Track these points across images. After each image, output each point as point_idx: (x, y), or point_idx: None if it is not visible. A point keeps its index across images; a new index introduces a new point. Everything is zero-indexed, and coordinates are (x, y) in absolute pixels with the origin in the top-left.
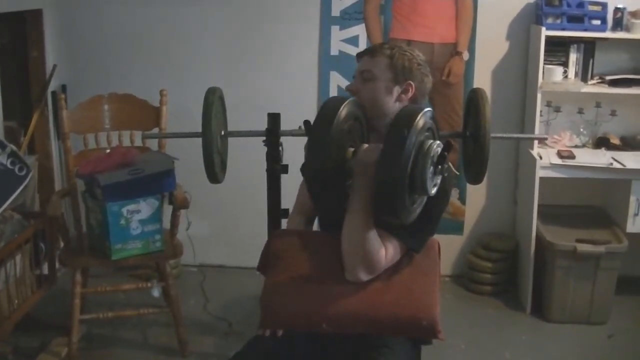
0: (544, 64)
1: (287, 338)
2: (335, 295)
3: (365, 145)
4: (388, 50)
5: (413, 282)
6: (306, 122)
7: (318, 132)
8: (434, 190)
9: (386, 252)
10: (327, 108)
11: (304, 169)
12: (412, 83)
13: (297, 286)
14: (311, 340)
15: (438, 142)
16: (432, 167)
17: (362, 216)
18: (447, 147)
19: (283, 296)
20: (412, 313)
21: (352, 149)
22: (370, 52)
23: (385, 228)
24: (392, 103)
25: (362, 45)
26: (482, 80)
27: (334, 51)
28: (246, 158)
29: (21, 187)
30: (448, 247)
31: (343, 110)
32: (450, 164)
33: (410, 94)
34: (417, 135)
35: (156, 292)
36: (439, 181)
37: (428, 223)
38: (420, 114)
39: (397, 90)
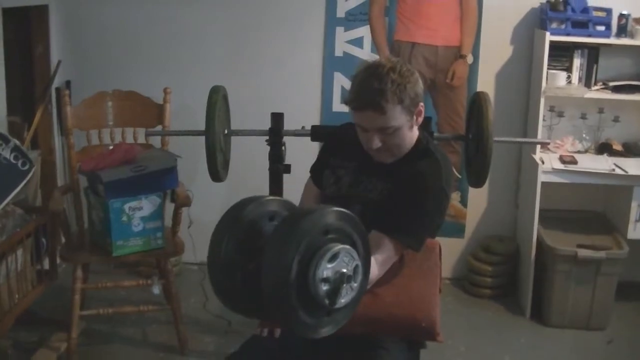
0: (548, 68)
1: (284, 338)
2: None
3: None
4: (392, 96)
5: (413, 283)
6: (313, 127)
7: (221, 226)
8: (338, 304)
9: (375, 258)
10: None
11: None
12: (422, 104)
13: None
14: (308, 340)
15: (339, 247)
16: (325, 279)
17: None
18: (340, 255)
19: None
20: (411, 314)
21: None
22: (375, 108)
23: (381, 229)
24: (412, 132)
25: (367, 46)
26: (486, 83)
27: (338, 52)
28: (249, 157)
29: (24, 182)
30: (449, 250)
31: (258, 209)
32: (449, 161)
33: (422, 112)
34: (298, 246)
35: (156, 290)
36: (349, 289)
37: (422, 221)
38: (303, 220)
39: (414, 119)
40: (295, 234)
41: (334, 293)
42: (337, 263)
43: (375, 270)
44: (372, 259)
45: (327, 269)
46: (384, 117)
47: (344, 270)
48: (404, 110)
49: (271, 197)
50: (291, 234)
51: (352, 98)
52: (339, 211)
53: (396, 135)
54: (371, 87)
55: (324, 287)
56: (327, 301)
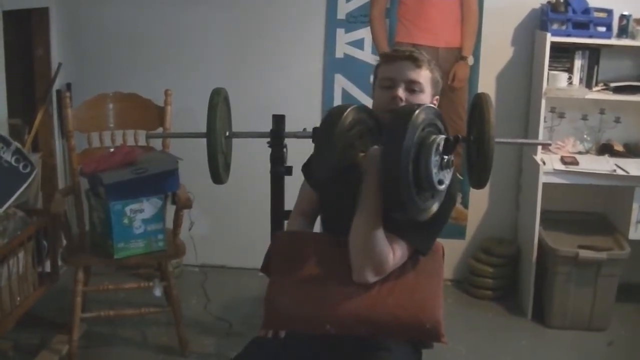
0: (549, 70)
1: (288, 340)
2: (339, 297)
3: (375, 147)
4: (426, 62)
5: (417, 285)
6: (315, 129)
7: (321, 139)
8: (442, 186)
9: (394, 253)
10: (331, 115)
11: (307, 171)
12: (438, 97)
13: (301, 287)
14: (312, 342)
15: (442, 136)
16: (437, 161)
17: (372, 217)
18: (452, 141)
19: (287, 297)
20: (415, 316)
21: (362, 154)
22: (413, 59)
23: (392, 230)
24: None
25: (368, 48)
26: (487, 85)
27: (339, 54)
28: (250, 159)
29: (25, 185)
30: (450, 251)
31: (347, 117)
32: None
33: (436, 104)
34: (416, 130)
35: (157, 292)
36: (448, 175)
37: (434, 225)
38: (418, 110)
39: (432, 102)
40: (409, 126)
41: (442, 175)
42: (442, 152)
43: (389, 263)
44: (391, 250)
45: (435, 158)
46: (417, 71)
47: (446, 157)
48: (432, 82)
49: (351, 106)
50: (405, 127)
51: (390, 52)
52: (431, 107)
53: (420, 98)
54: (411, 49)
55: (437, 172)
56: (438, 185)
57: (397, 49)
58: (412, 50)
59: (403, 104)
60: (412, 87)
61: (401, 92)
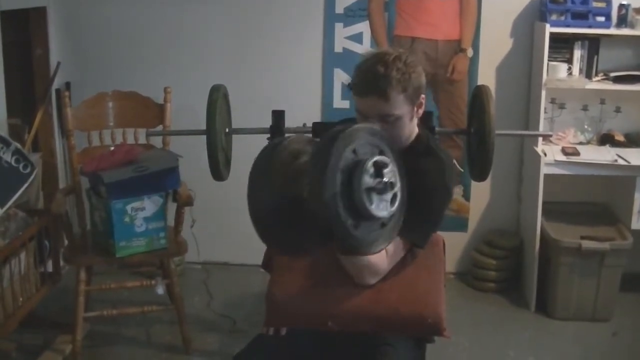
0: (548, 60)
1: (290, 337)
2: (340, 293)
3: None
4: (396, 84)
5: (418, 279)
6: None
7: (255, 181)
8: (386, 212)
9: (386, 251)
10: (263, 154)
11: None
12: (423, 96)
13: (303, 284)
14: (314, 339)
15: (373, 158)
16: (370, 186)
17: None
18: (381, 162)
19: (289, 294)
20: (417, 311)
21: (307, 187)
22: (380, 93)
23: None
24: (412, 124)
25: (367, 42)
26: (487, 77)
27: (337, 48)
28: (250, 155)
29: (25, 185)
30: (452, 245)
31: (283, 152)
32: (453, 159)
33: (423, 104)
34: (339, 159)
35: (160, 290)
36: (393, 196)
37: (428, 218)
38: (339, 138)
39: (415, 110)
40: (334, 153)
41: (381, 201)
42: (374, 175)
43: (384, 263)
44: (383, 252)
45: (368, 180)
46: (387, 104)
47: (385, 179)
48: (407, 99)
49: (289, 138)
50: (330, 154)
51: (357, 82)
52: (363, 126)
53: (397, 124)
54: (376, 73)
55: (370, 197)
56: (378, 212)
57: (364, 78)
58: (379, 77)
59: None
60: (387, 119)
61: (377, 127)
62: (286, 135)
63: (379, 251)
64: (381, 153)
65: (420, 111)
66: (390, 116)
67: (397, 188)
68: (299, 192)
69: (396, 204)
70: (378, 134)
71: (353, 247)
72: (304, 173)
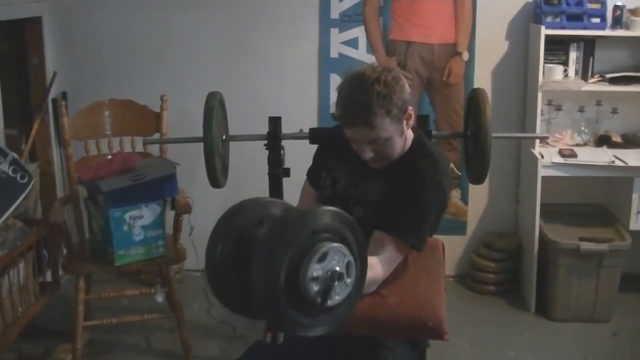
0: (544, 63)
1: (290, 340)
2: None
3: None
4: (379, 109)
5: (417, 283)
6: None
7: (213, 242)
8: (331, 301)
9: (379, 258)
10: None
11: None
12: (410, 107)
13: None
14: (313, 344)
15: (328, 246)
16: (315, 279)
17: None
18: (331, 254)
19: None
20: (417, 314)
21: None
22: (364, 123)
23: (382, 228)
24: (403, 137)
25: (362, 47)
26: (482, 80)
27: (333, 54)
28: (248, 162)
29: (23, 195)
30: (451, 248)
31: (247, 214)
32: (452, 165)
33: (412, 115)
34: (288, 248)
35: (159, 298)
36: (342, 287)
37: (422, 219)
38: (293, 225)
39: (404, 125)
40: (283, 239)
41: (326, 291)
42: (326, 262)
43: (380, 270)
44: (376, 259)
45: (316, 269)
46: (373, 131)
47: (336, 269)
48: (393, 120)
49: (263, 200)
50: (278, 240)
51: (340, 114)
52: (327, 210)
53: (387, 144)
54: (357, 102)
55: (315, 287)
56: (319, 300)
57: (346, 108)
58: (361, 108)
59: (374, 160)
60: (376, 142)
61: (368, 152)
62: (260, 199)
63: (319, 334)
64: (343, 240)
65: (411, 122)
66: (379, 139)
67: (350, 280)
68: (249, 263)
69: (345, 294)
70: (344, 220)
71: (292, 332)
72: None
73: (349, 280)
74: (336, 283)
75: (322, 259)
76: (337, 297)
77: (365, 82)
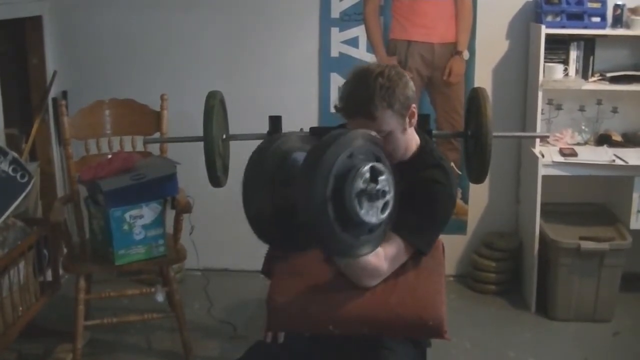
0: (545, 62)
1: (289, 341)
2: (341, 297)
3: None
4: (380, 102)
5: (418, 282)
6: (312, 129)
7: (248, 182)
8: (375, 218)
9: (386, 254)
10: (252, 159)
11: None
12: (414, 105)
13: (303, 288)
14: (313, 344)
15: (369, 164)
16: (361, 193)
17: None
18: (377, 168)
19: (289, 298)
20: (418, 314)
21: None
22: (367, 115)
23: (391, 229)
24: (407, 135)
25: (362, 46)
26: (483, 79)
27: (334, 53)
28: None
29: (23, 194)
30: (451, 247)
31: (268, 159)
32: (452, 164)
33: (415, 113)
34: (330, 168)
35: (160, 297)
36: (385, 204)
37: (433, 225)
38: (332, 147)
39: (407, 121)
40: (324, 161)
41: (371, 207)
42: (368, 179)
43: (384, 265)
44: (382, 250)
45: (360, 186)
46: (374, 123)
47: (378, 186)
48: (395, 114)
49: (287, 135)
50: (320, 161)
51: (342, 106)
52: (359, 132)
53: (389, 139)
54: (359, 94)
55: (360, 203)
56: (367, 218)
57: (348, 100)
58: (363, 100)
59: None
60: (378, 134)
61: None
62: (282, 133)
63: (364, 255)
64: (377, 160)
65: (414, 120)
66: (381, 132)
67: (390, 197)
68: (291, 192)
69: (386, 212)
70: (376, 141)
71: (337, 251)
72: (296, 174)
73: (388, 197)
74: (380, 200)
75: (364, 176)
76: (381, 215)
77: (369, 76)
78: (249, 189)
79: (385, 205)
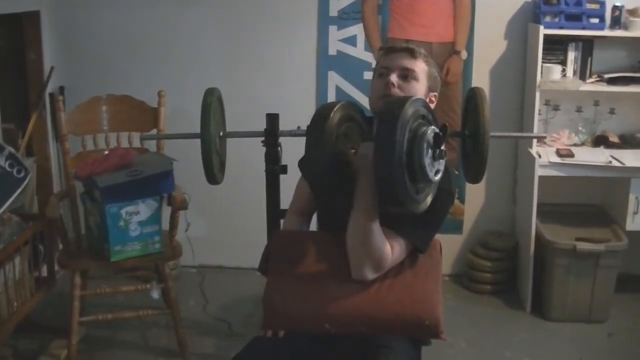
0: (542, 62)
1: (288, 339)
2: (337, 295)
3: (366, 144)
4: (423, 56)
5: (415, 282)
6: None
7: (312, 137)
8: (437, 177)
9: (392, 250)
10: (319, 113)
11: (302, 169)
12: (436, 95)
13: (300, 286)
14: (312, 341)
15: (433, 127)
16: (429, 152)
17: (367, 214)
18: (442, 130)
19: (286, 296)
20: (414, 313)
21: (353, 150)
22: (409, 51)
23: (390, 227)
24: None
25: (360, 45)
26: (481, 79)
27: (332, 51)
28: (245, 159)
29: (19, 190)
30: (447, 247)
31: (336, 114)
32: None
33: (434, 101)
34: (407, 122)
35: (155, 294)
36: (441, 167)
37: (431, 223)
38: (408, 102)
39: (428, 96)
40: (400, 120)
41: (433, 166)
42: (434, 141)
43: (387, 259)
44: (388, 249)
45: (427, 150)
46: (412, 61)
47: (438, 149)
48: (427, 76)
49: (337, 106)
50: (397, 120)
51: (389, 45)
52: (417, 99)
53: (414, 85)
54: (406, 45)
55: (429, 161)
56: (430, 173)
57: (396, 44)
58: (412, 46)
59: (396, 89)
60: (406, 73)
61: (394, 78)
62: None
63: (416, 211)
64: (430, 122)
65: (431, 106)
66: (411, 71)
67: (443, 163)
68: (346, 153)
69: (439, 175)
70: (428, 107)
71: (400, 200)
72: (350, 136)
73: (444, 160)
74: (441, 160)
75: (431, 136)
76: (435, 176)
77: (412, 43)
78: (311, 147)
79: (438, 170)
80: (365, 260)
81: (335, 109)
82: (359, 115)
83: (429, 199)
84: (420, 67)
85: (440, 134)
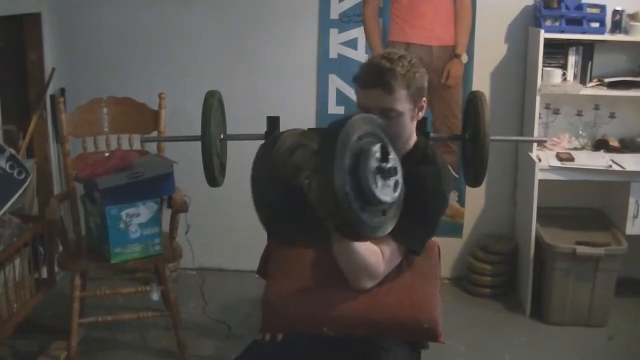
0: (543, 66)
1: (286, 342)
2: (336, 298)
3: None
4: (401, 78)
5: (414, 284)
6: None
7: (256, 176)
8: (396, 193)
9: (383, 255)
10: (264, 145)
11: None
12: (425, 99)
13: (299, 289)
14: (310, 344)
15: (380, 144)
16: (377, 177)
17: (347, 243)
18: (386, 147)
19: (284, 299)
20: (413, 316)
21: (306, 181)
22: (384, 85)
23: None
24: (412, 125)
25: (361, 48)
26: (481, 82)
27: (332, 54)
28: (245, 161)
29: (20, 191)
30: (447, 250)
31: (284, 142)
32: (449, 167)
33: (424, 108)
34: (346, 144)
35: (155, 296)
36: (395, 183)
37: (424, 224)
38: (348, 122)
39: (416, 112)
40: (342, 139)
41: (385, 185)
42: (380, 160)
43: (381, 267)
44: (380, 253)
45: (373, 165)
46: (390, 98)
47: (390, 164)
48: (410, 97)
49: (283, 135)
50: (333, 149)
51: (362, 75)
52: (367, 116)
53: (397, 121)
54: (382, 66)
55: (376, 180)
56: (382, 196)
57: (369, 71)
58: (384, 70)
59: None
60: (387, 114)
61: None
62: (281, 132)
63: (380, 236)
64: (381, 140)
65: (421, 114)
66: (392, 111)
67: (399, 176)
68: (299, 184)
69: (398, 190)
70: (379, 124)
71: (358, 232)
72: (302, 166)
73: (398, 175)
74: (392, 178)
75: (375, 157)
76: (394, 193)
77: (392, 55)
78: (258, 182)
79: (396, 184)
80: (358, 274)
81: (281, 138)
82: (315, 140)
83: (389, 224)
84: (399, 98)
85: (385, 146)
